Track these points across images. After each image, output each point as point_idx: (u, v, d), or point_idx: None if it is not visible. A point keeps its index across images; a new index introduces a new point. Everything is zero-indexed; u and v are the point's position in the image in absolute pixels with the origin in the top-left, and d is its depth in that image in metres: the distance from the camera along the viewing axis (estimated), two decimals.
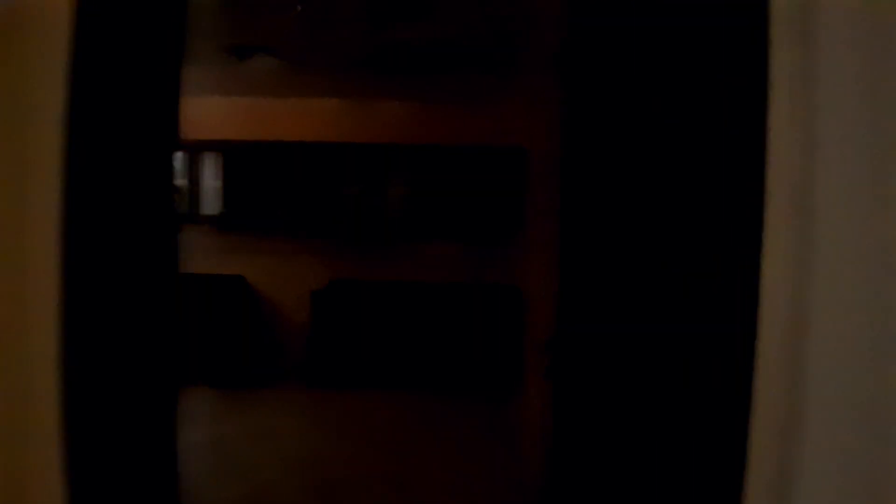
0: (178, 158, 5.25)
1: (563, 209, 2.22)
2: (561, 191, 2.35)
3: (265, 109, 5.32)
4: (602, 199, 1.77)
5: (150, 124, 1.41)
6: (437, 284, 5.12)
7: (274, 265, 5.33)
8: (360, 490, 3.12)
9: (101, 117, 1.21)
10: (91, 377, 1.24)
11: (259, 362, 5.25)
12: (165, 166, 1.52)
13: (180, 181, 5.24)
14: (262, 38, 3.65)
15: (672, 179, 1.31)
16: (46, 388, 1.06)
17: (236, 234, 5.34)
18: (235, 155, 5.07)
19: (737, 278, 1.00)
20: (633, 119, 1.50)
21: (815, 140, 0.79)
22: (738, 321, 0.94)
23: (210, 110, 5.34)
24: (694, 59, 1.19)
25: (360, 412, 4.28)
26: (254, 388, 4.80)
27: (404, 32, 3.46)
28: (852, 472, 0.80)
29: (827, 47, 0.78)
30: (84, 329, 1.19)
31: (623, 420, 1.48)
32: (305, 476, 3.24)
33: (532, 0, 2.86)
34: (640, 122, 1.47)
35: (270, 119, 5.28)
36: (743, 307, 0.92)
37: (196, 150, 5.15)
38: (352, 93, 5.02)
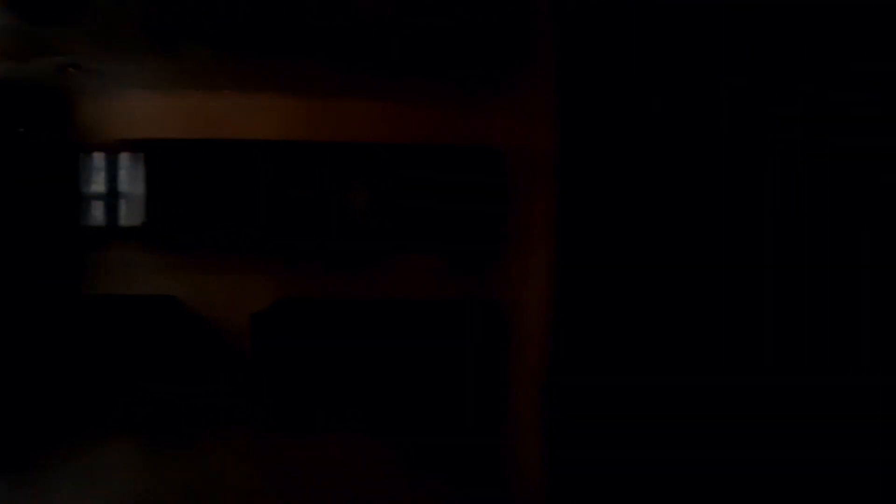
0: (95, 161, 4.50)
1: (564, 216, 1.83)
2: (560, 196, 1.94)
3: (199, 104, 4.64)
4: (616, 204, 1.47)
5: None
6: (402, 302, 4.58)
7: (214, 282, 4.63)
8: None
9: None
10: None
11: (197, 400, 4.54)
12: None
13: (96, 187, 4.49)
14: (189, 20, 3.04)
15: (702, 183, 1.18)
16: None
17: (166, 247, 4.62)
18: (161, 155, 4.36)
19: None
20: (648, 117, 1.31)
21: None
22: None
23: (134, 106, 4.63)
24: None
25: (316, 461, 3.66)
26: (191, 433, 4.09)
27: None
28: None
29: None
30: None
31: None
32: None
33: None
34: (654, 120, 1.30)
35: (207, 116, 4.61)
36: None
37: (115, 150, 4.42)
38: (305, 86, 4.43)
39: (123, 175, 4.47)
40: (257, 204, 4.32)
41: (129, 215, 4.45)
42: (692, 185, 1.21)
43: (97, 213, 4.48)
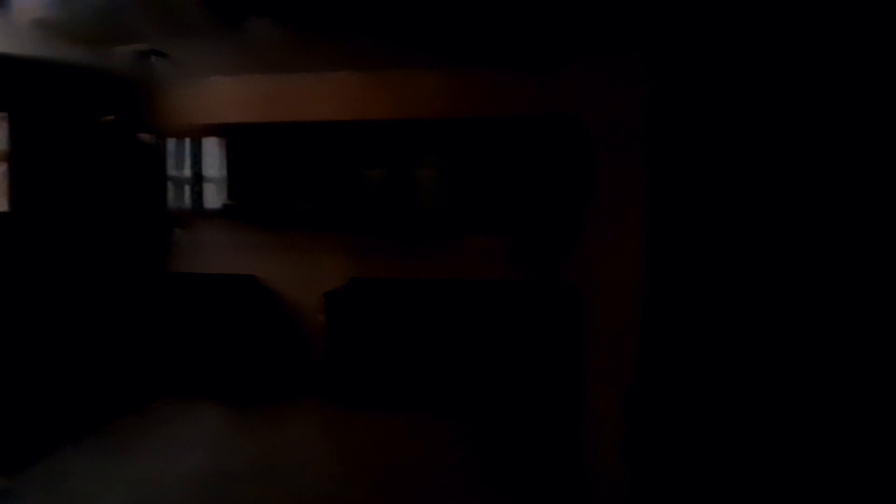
0: (179, 145, 4.68)
1: (658, 195, 1.58)
2: (653, 172, 1.67)
3: (273, 87, 4.68)
4: (717, 176, 1.21)
5: None
6: (476, 283, 4.43)
7: (289, 262, 4.73)
8: None
9: None
10: None
11: (273, 374, 4.70)
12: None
13: (179, 171, 4.68)
14: None
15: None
16: None
17: (246, 228, 4.76)
18: (241, 140, 4.45)
19: None
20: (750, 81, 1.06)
21: None
22: None
23: (212, 91, 4.76)
24: None
25: (386, 439, 3.65)
26: (267, 404, 4.24)
27: None
28: None
29: None
30: None
31: None
32: None
33: None
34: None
35: (280, 98, 4.64)
36: None
37: (198, 135, 4.57)
38: (370, 63, 4.32)
39: (206, 159, 4.61)
40: (331, 184, 4.31)
41: (212, 198, 4.60)
42: (803, 156, 0.95)
43: (182, 195, 4.67)
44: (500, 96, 4.32)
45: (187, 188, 4.67)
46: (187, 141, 4.65)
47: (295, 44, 3.83)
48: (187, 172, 4.65)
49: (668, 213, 1.33)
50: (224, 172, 4.53)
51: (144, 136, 4.63)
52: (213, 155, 4.61)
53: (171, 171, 4.66)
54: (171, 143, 4.64)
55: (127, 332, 4.37)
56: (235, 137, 4.47)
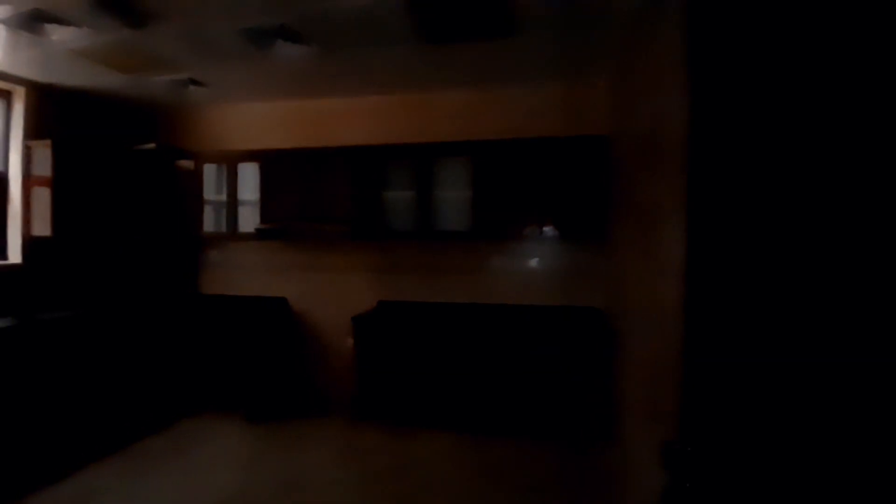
0: (215, 170, 4.78)
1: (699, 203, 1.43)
2: (695, 186, 1.53)
3: (305, 113, 4.76)
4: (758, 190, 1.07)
5: None
6: (502, 307, 4.32)
7: (319, 285, 4.73)
8: None
9: None
10: None
11: (300, 393, 4.68)
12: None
13: (216, 195, 4.78)
14: (279, 16, 3.04)
15: None
16: None
17: (278, 250, 4.80)
18: (274, 164, 4.51)
19: None
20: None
21: None
22: None
23: (246, 117, 4.88)
24: None
25: (413, 457, 3.54)
26: (295, 422, 4.22)
27: None
28: None
29: None
30: None
31: None
32: None
33: None
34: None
35: (312, 123, 4.72)
36: None
37: (234, 160, 4.66)
38: (398, 85, 4.35)
39: (242, 183, 4.69)
40: (362, 207, 4.30)
41: (247, 221, 4.66)
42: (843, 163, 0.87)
43: (219, 219, 4.76)
44: (527, 113, 4.26)
45: (223, 212, 4.75)
46: (224, 166, 4.75)
47: (322, 66, 3.89)
48: (223, 196, 4.73)
49: (712, 233, 1.20)
50: (256, 195, 4.59)
51: (183, 163, 4.76)
52: (249, 179, 4.68)
53: (209, 195, 4.76)
54: (208, 169, 4.75)
55: (159, 352, 4.43)
56: (269, 162, 4.53)
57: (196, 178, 4.74)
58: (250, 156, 4.60)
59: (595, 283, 4.10)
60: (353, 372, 4.20)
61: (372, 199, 4.31)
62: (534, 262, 4.30)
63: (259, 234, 4.54)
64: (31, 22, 3.01)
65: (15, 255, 4.06)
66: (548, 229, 4.00)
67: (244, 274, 4.92)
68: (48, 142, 4.01)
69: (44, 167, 4.05)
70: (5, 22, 2.97)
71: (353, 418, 4.18)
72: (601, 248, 4.00)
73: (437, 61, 3.77)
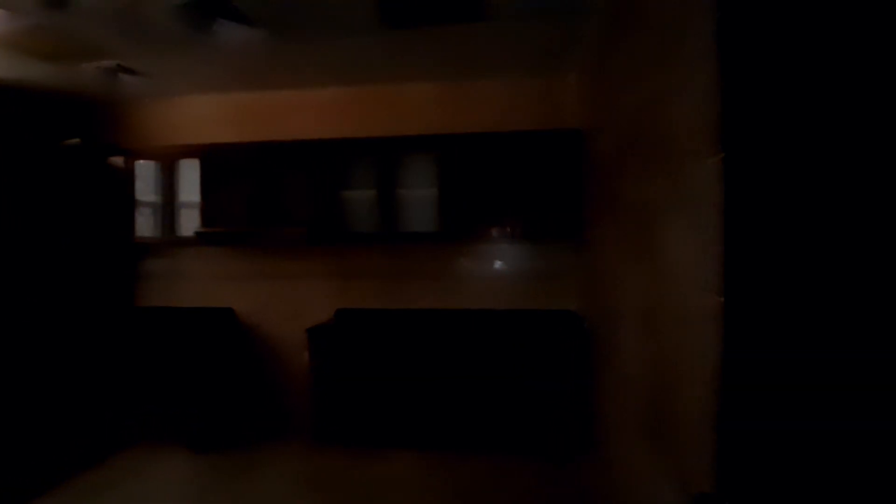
0: (149, 168, 4.30)
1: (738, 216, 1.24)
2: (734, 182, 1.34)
3: (256, 106, 4.36)
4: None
5: None
6: (471, 312, 4.06)
7: (270, 293, 4.32)
8: None
9: None
10: None
11: (251, 416, 4.24)
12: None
13: (151, 195, 4.30)
14: None
15: None
16: None
17: (223, 256, 4.36)
18: (216, 161, 4.08)
19: None
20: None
21: None
22: None
23: (185, 110, 4.43)
24: None
25: (380, 481, 3.20)
26: (245, 449, 3.78)
27: None
28: None
29: None
30: None
31: None
32: None
33: None
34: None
35: (263, 118, 4.32)
36: None
37: (170, 157, 4.20)
38: (359, 76, 4.03)
39: (181, 182, 4.24)
40: (315, 206, 3.93)
41: (187, 224, 4.21)
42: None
43: (154, 222, 4.28)
44: (498, 107, 4.04)
45: (158, 214, 4.27)
46: (162, 164, 4.27)
47: (272, 54, 3.53)
48: (158, 197, 4.26)
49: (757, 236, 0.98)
50: (198, 196, 4.14)
51: (112, 160, 4.26)
52: (188, 178, 4.23)
53: (143, 195, 4.27)
54: (142, 166, 4.27)
55: (89, 374, 3.90)
56: (210, 158, 4.10)
57: (128, 177, 4.24)
58: (189, 152, 4.15)
59: (570, 285, 3.92)
60: (309, 390, 3.82)
61: (330, 199, 3.95)
62: (505, 264, 4.07)
63: (200, 239, 4.09)
64: None
65: None
66: (519, 229, 3.77)
67: (186, 283, 4.43)
68: None
69: None
70: None
71: (312, 441, 3.80)
72: (577, 248, 3.82)
73: (401, 50, 3.49)
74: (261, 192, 4.00)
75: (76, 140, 4.16)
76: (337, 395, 3.72)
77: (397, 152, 3.90)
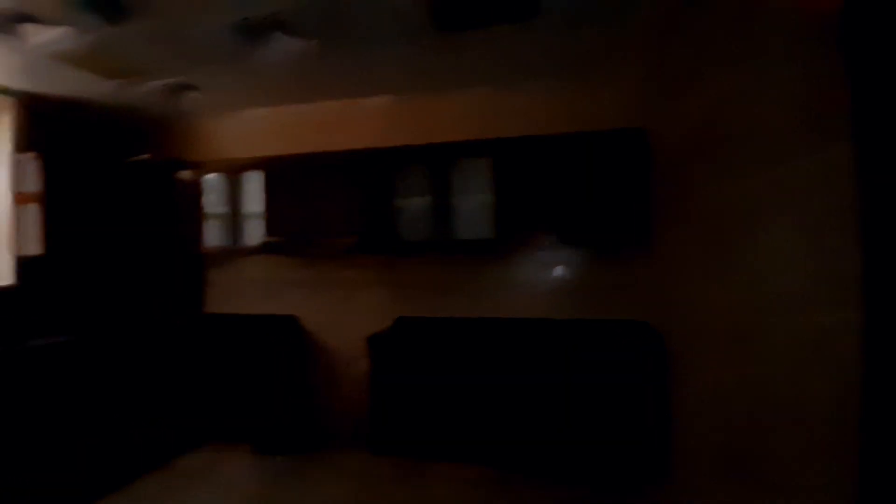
0: (215, 181, 4.47)
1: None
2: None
3: (309, 117, 4.43)
4: None
5: None
6: (534, 322, 3.91)
7: (332, 301, 4.37)
8: None
9: None
10: None
11: (311, 421, 4.32)
12: None
13: (218, 207, 4.46)
14: (273, 5, 2.71)
15: None
16: None
17: (286, 264, 4.47)
18: (278, 172, 4.18)
19: None
20: None
21: None
22: None
23: (248, 124, 4.58)
24: None
25: (435, 497, 3.13)
26: (306, 454, 3.87)
27: None
28: None
29: None
30: None
31: None
32: None
33: None
34: None
35: (317, 128, 4.39)
36: None
37: (235, 170, 4.35)
38: (408, 84, 3.99)
39: (246, 194, 4.38)
40: (376, 214, 3.94)
41: (252, 234, 4.34)
42: None
43: (219, 232, 4.44)
44: (549, 110, 3.86)
45: (225, 225, 4.43)
46: (225, 176, 4.44)
47: (323, 65, 3.56)
48: (225, 208, 4.42)
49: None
50: (262, 207, 4.26)
51: (181, 174, 4.47)
52: (253, 190, 4.36)
53: (211, 207, 4.45)
54: (208, 179, 4.45)
55: (160, 379, 4.12)
56: (271, 170, 4.21)
57: (196, 190, 4.44)
58: (253, 164, 4.28)
59: (638, 295, 3.67)
60: (367, 398, 3.82)
61: (383, 208, 3.94)
62: (566, 272, 3.88)
63: (265, 248, 4.21)
64: (4, 22, 2.72)
65: (5, 276, 3.80)
66: (579, 235, 3.58)
67: (251, 291, 4.59)
68: (37, 155, 3.74)
69: (33, 182, 3.78)
70: None
71: (369, 450, 3.80)
72: (645, 255, 3.58)
73: (451, 56, 3.41)
74: (316, 202, 4.05)
75: (147, 156, 4.40)
76: (395, 404, 3.69)
77: (449, 158, 3.82)
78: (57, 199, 3.80)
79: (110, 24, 2.83)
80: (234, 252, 4.44)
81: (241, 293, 4.61)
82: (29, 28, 2.84)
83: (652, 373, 3.17)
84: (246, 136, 4.57)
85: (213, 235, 4.46)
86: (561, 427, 3.34)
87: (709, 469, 2.26)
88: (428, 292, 4.16)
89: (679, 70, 2.70)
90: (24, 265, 3.83)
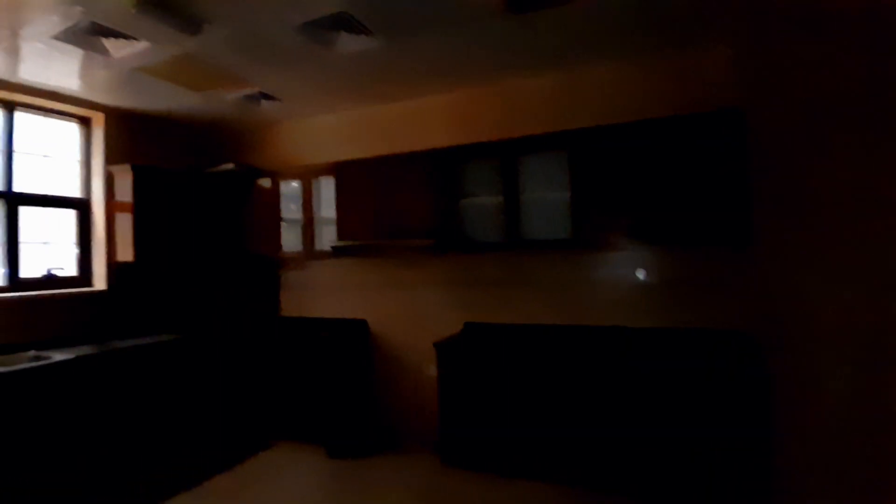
0: (290, 187, 4.53)
1: None
2: None
3: (378, 120, 4.39)
4: None
5: None
6: (615, 330, 3.58)
7: (398, 303, 4.28)
8: None
9: None
10: None
11: (380, 425, 4.24)
12: None
13: (293, 213, 4.52)
14: (336, 4, 2.63)
15: None
16: None
17: (357, 268, 4.45)
18: (348, 175, 4.16)
19: None
20: None
21: None
22: None
23: (319, 131, 4.62)
24: None
25: None
26: (375, 458, 3.81)
27: None
28: None
29: None
30: None
31: None
32: None
33: None
34: None
35: (385, 130, 4.33)
36: None
37: (309, 175, 4.38)
38: (474, 76, 3.81)
39: (315, 199, 4.41)
40: (435, 215, 3.80)
41: (326, 238, 4.35)
42: None
43: (292, 237, 4.49)
44: (627, 94, 3.52)
45: (299, 229, 4.48)
46: (299, 182, 4.49)
47: (395, 65, 3.48)
48: (298, 214, 4.47)
49: None
50: (333, 211, 4.25)
51: (260, 181, 4.57)
52: (325, 195, 4.38)
53: (286, 213, 4.53)
54: (285, 186, 4.54)
55: (241, 379, 4.25)
56: (342, 174, 4.19)
57: (273, 196, 4.52)
58: (324, 170, 4.29)
59: (732, 301, 3.25)
60: (436, 405, 3.68)
61: (451, 208, 3.78)
62: (648, 274, 3.52)
63: (335, 252, 4.20)
64: (86, 36, 2.85)
65: (100, 281, 4.04)
66: (665, 232, 3.22)
67: (321, 294, 4.62)
68: (128, 166, 3.95)
69: (124, 192, 3.99)
70: (59, 37, 2.83)
71: (439, 459, 3.64)
72: (745, 255, 3.16)
73: (521, 40, 3.18)
74: (385, 205, 3.97)
75: (230, 165, 4.54)
76: (466, 414, 3.52)
77: (521, 153, 3.59)
78: (146, 207, 3.99)
79: (188, 34, 2.90)
80: (307, 256, 4.48)
81: (313, 297, 4.66)
82: (112, 42, 2.97)
83: (748, 388, 2.76)
84: (318, 142, 4.63)
85: (287, 240, 4.53)
86: (650, 444, 2.99)
87: (823, 500, 1.88)
88: (496, 295, 3.95)
89: (783, 38, 2.32)
90: (117, 271, 4.05)
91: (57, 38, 2.83)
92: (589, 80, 3.65)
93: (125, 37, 2.91)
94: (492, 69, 3.67)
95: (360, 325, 4.39)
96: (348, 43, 3.06)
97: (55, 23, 2.70)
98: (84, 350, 3.36)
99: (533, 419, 3.30)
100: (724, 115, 3.04)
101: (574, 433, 3.18)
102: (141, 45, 3.02)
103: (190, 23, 2.78)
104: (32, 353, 3.24)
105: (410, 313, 4.23)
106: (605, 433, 3.09)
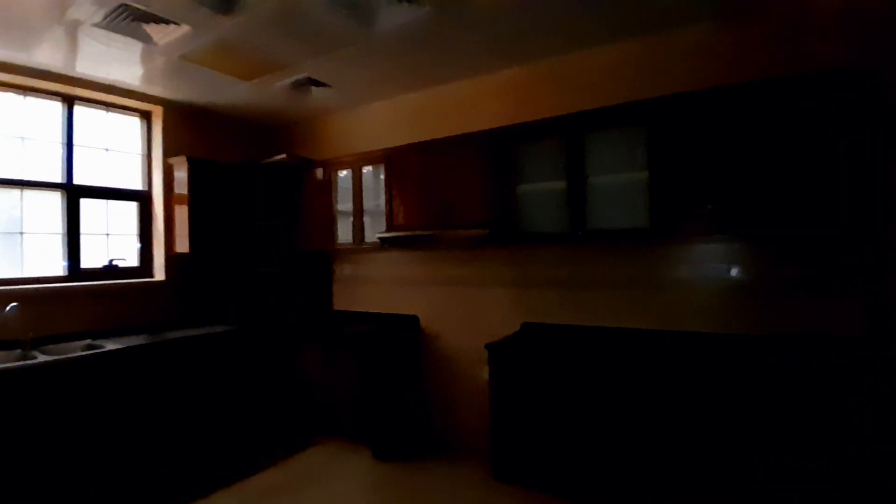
0: (342, 177, 4.37)
1: None
2: None
3: (431, 104, 4.12)
4: None
5: None
6: (696, 336, 3.04)
7: (449, 298, 3.99)
8: None
9: None
10: None
11: (428, 429, 3.98)
12: None
13: (343, 204, 4.35)
14: None
15: None
16: None
17: (407, 260, 4.22)
18: (397, 163, 3.92)
19: None
20: None
21: None
22: None
23: (371, 120, 4.44)
24: None
25: None
26: (423, 463, 3.57)
27: None
28: None
29: None
30: None
31: None
32: None
33: None
34: None
35: (438, 115, 4.05)
36: None
37: (358, 164, 4.20)
38: (530, 48, 3.41)
39: (366, 189, 4.21)
40: (489, 203, 3.44)
41: (376, 229, 4.15)
42: None
43: (344, 228, 4.32)
44: (711, 57, 2.95)
45: (350, 220, 4.30)
46: (350, 172, 4.31)
47: (445, 40, 3.17)
48: (349, 205, 4.30)
49: None
50: (384, 201, 4.03)
51: (314, 171, 4.46)
52: (376, 184, 4.17)
53: (340, 204, 4.37)
54: (339, 176, 4.39)
55: (293, 372, 4.19)
56: (390, 163, 3.95)
57: (326, 186, 4.39)
58: (375, 157, 4.07)
59: (852, 303, 2.62)
60: (488, 412, 3.34)
61: (507, 195, 3.40)
62: (743, 271, 2.95)
63: (383, 243, 3.97)
64: (127, 23, 2.81)
65: (159, 272, 4.10)
66: (765, 222, 2.65)
67: (374, 289, 4.45)
68: (183, 158, 3.97)
69: (181, 185, 4.02)
70: (101, 25, 2.80)
71: (489, 472, 3.31)
72: (863, 246, 2.54)
73: (583, 5, 2.76)
74: (435, 193, 3.69)
75: (283, 156, 4.46)
76: (520, 424, 3.15)
77: (586, 131, 3.14)
78: (202, 199, 4.01)
79: (223, 14, 2.77)
80: (359, 248, 4.30)
81: (365, 290, 4.49)
82: (154, 28, 2.91)
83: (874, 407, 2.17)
84: (370, 131, 4.46)
85: (340, 232, 4.37)
86: (737, 465, 2.47)
87: None
88: (557, 292, 3.53)
89: None
90: (175, 262, 4.10)
91: (97, 25, 2.81)
92: (661, 45, 3.13)
93: (165, 21, 2.84)
94: (551, 42, 3.27)
95: (411, 321, 4.15)
96: (394, 14, 2.79)
97: (92, 11, 2.67)
98: (138, 340, 3.38)
99: (598, 435, 2.87)
100: (851, 74, 2.41)
101: (649, 454, 2.71)
102: (182, 30, 2.95)
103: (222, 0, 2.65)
104: (87, 341, 3.29)
105: (463, 310, 3.92)
106: (690, 457, 2.61)
